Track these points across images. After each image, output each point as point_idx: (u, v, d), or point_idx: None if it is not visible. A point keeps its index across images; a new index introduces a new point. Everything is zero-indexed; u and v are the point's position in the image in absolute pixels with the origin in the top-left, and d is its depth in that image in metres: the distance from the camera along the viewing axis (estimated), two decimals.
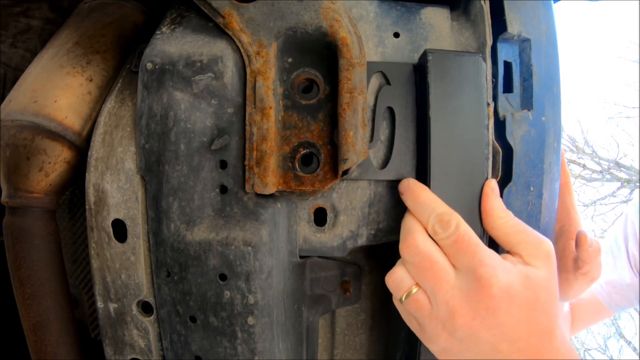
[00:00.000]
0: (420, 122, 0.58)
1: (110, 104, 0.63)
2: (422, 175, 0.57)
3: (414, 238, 0.51)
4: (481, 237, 0.55)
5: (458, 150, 0.55)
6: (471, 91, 0.56)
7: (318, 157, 0.57)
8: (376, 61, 0.59)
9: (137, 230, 0.59)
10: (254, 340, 0.57)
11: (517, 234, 0.53)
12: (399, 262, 0.54)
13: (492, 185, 0.55)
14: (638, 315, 5.06)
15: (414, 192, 0.54)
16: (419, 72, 0.59)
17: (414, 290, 0.52)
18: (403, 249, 0.52)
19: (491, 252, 0.51)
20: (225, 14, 0.56)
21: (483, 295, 0.48)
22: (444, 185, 0.55)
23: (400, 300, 0.53)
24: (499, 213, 0.54)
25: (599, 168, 6.32)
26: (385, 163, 0.59)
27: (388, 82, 0.59)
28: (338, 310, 0.75)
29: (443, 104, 0.55)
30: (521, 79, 0.64)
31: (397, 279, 0.53)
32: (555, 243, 0.79)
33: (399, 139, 0.59)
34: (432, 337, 0.52)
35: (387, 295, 0.56)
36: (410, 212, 0.55)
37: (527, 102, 0.63)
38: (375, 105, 0.59)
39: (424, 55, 0.57)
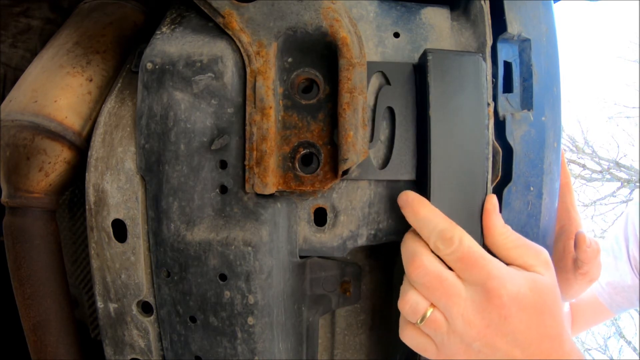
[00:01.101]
0: (420, 122, 0.58)
1: (110, 104, 0.63)
2: (422, 175, 0.57)
3: (420, 260, 0.52)
4: (481, 239, 0.55)
5: (458, 150, 0.55)
6: (471, 91, 0.56)
7: (318, 157, 0.57)
8: (376, 61, 0.59)
9: (137, 230, 0.59)
10: (254, 340, 0.57)
11: (517, 248, 0.54)
12: (406, 285, 0.55)
13: (493, 202, 0.56)
14: (638, 315, 5.07)
15: (414, 207, 0.54)
16: (419, 71, 0.59)
17: (430, 311, 0.52)
18: (411, 271, 0.52)
19: (497, 262, 0.52)
20: (225, 14, 0.56)
21: (494, 305, 0.50)
22: (444, 186, 0.55)
23: (417, 323, 0.53)
24: (500, 229, 0.55)
25: (599, 168, 6.32)
26: (385, 163, 0.59)
27: (388, 82, 0.59)
28: (338, 310, 0.75)
29: (443, 104, 0.55)
30: (521, 79, 0.64)
31: (413, 303, 0.53)
32: (555, 243, 0.79)
33: (399, 139, 0.59)
34: (451, 353, 0.52)
35: (387, 295, 0.56)
36: (411, 231, 0.56)
37: (527, 102, 0.63)
38: (375, 105, 0.59)
39: (424, 55, 0.57)
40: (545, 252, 0.55)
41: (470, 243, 0.51)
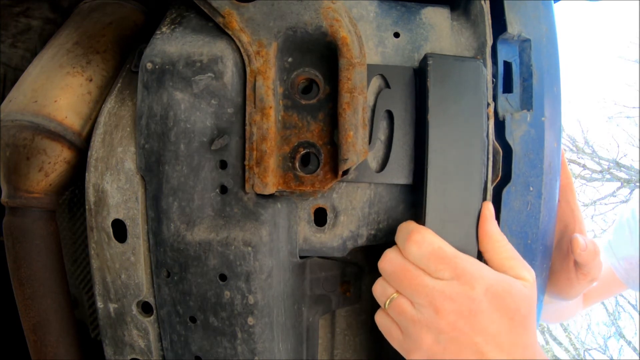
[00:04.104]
0: (418, 126, 0.58)
1: (110, 104, 0.63)
2: (419, 180, 0.57)
3: (388, 253, 0.55)
4: (476, 245, 0.56)
5: (455, 155, 0.55)
6: (471, 97, 0.56)
7: (318, 157, 0.57)
8: (376, 64, 0.59)
9: (137, 230, 0.59)
10: (254, 340, 0.57)
11: (512, 259, 0.55)
12: (381, 277, 0.57)
13: (490, 209, 0.57)
14: (638, 315, 5.07)
15: None
16: (419, 76, 0.58)
17: (396, 295, 0.54)
18: (379, 264, 0.56)
19: (471, 259, 0.52)
20: (225, 14, 0.56)
21: (466, 297, 0.50)
22: (440, 191, 0.55)
23: (385, 305, 0.55)
24: (496, 237, 0.56)
25: (599, 168, 6.32)
26: (382, 166, 0.59)
27: (388, 85, 0.59)
28: (338, 311, 0.75)
29: (442, 109, 0.55)
30: (521, 79, 0.64)
31: (380, 287, 0.56)
32: (558, 242, 0.79)
33: (397, 143, 0.59)
34: (415, 343, 0.53)
35: None
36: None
37: (526, 103, 0.63)
38: (374, 108, 0.59)
39: (425, 60, 0.57)
40: (534, 273, 0.55)
41: (441, 244, 0.52)
